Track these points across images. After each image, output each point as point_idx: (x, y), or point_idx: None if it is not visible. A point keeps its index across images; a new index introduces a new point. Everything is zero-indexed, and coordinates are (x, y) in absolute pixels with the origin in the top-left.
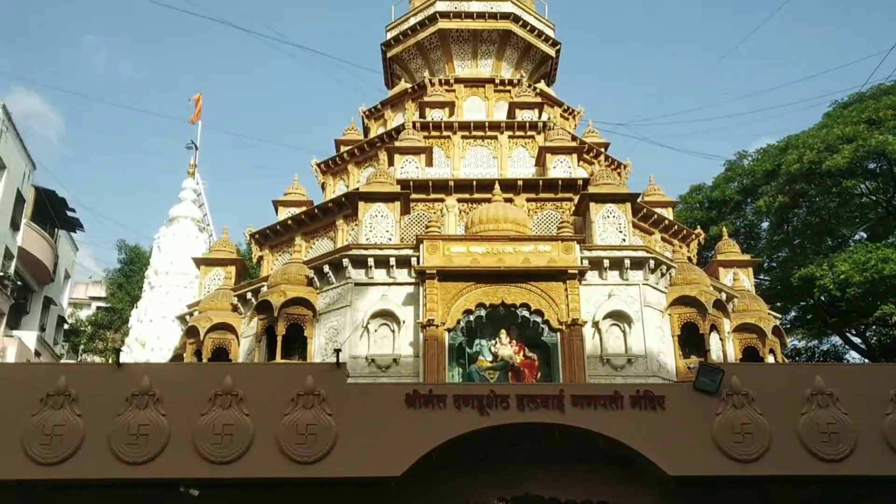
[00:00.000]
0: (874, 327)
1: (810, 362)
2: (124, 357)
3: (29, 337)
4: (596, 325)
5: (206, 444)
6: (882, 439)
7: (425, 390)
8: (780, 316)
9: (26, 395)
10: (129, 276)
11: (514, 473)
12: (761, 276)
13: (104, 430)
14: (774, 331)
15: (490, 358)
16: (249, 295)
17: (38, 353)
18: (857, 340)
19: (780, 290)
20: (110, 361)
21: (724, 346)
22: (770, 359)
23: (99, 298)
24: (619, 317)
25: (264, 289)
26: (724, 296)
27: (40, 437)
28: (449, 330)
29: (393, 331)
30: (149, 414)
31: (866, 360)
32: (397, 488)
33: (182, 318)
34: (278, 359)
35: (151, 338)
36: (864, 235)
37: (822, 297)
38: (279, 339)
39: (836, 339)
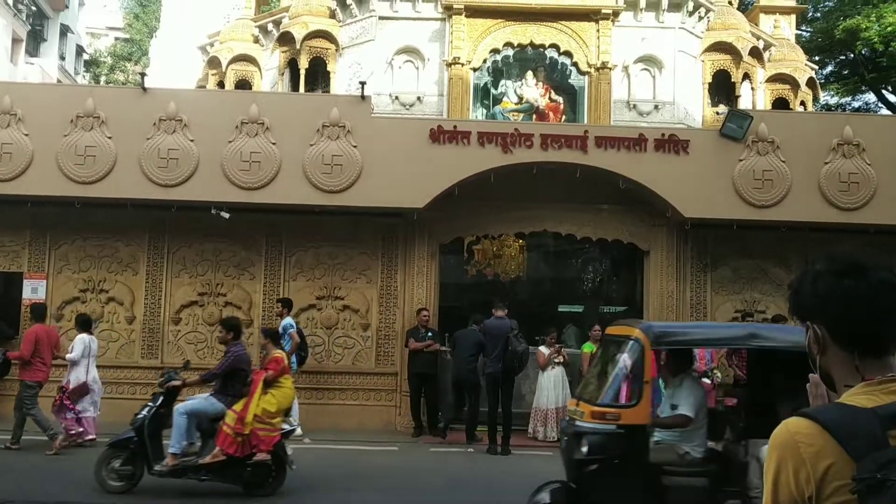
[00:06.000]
0: None
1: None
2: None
3: (49, 64)
4: (626, 69)
5: (235, 171)
6: None
7: (450, 126)
8: (816, 69)
9: (56, 117)
10: (145, 6)
11: (533, 211)
12: (803, 28)
13: (135, 153)
14: (808, 82)
15: (515, 100)
16: (270, 26)
17: (59, 82)
18: (892, 98)
19: (821, 43)
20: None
21: (754, 96)
22: (800, 110)
23: (116, 29)
24: (650, 61)
25: (286, 20)
26: (761, 44)
27: (74, 157)
28: (474, 69)
29: (417, 68)
30: (177, 139)
31: None
32: (419, 220)
33: (203, 49)
34: (302, 92)
35: (174, 69)
36: None
37: (864, 52)
38: (302, 72)
39: (870, 97)
